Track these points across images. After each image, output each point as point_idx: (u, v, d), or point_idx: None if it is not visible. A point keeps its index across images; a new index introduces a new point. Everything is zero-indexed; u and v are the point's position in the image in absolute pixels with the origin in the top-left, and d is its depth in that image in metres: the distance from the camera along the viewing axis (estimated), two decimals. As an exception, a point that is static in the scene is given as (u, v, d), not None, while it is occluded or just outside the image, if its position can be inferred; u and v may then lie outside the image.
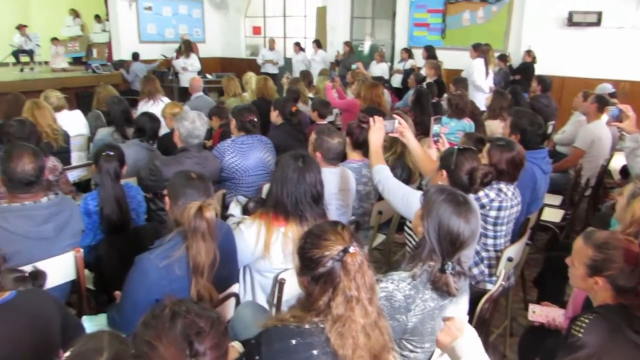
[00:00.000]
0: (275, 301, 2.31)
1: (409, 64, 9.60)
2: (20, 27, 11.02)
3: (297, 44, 11.17)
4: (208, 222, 1.96)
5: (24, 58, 11.03)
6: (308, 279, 1.51)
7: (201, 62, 10.65)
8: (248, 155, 3.77)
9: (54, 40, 11.54)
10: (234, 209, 2.72)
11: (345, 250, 1.47)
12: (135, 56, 10.58)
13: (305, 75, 7.79)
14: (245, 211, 2.64)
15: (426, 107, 5.66)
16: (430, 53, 8.71)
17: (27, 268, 1.72)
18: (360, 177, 3.46)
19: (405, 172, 3.82)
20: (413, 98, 5.78)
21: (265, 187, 3.69)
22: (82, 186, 4.53)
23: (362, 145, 3.58)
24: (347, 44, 10.41)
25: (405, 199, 2.57)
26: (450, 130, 4.71)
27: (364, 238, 3.51)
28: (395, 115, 3.10)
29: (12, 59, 10.94)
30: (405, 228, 2.85)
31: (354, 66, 8.95)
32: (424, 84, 6.85)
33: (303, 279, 1.54)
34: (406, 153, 3.79)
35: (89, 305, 2.69)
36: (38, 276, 1.67)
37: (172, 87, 10.60)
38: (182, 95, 9.63)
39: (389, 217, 3.62)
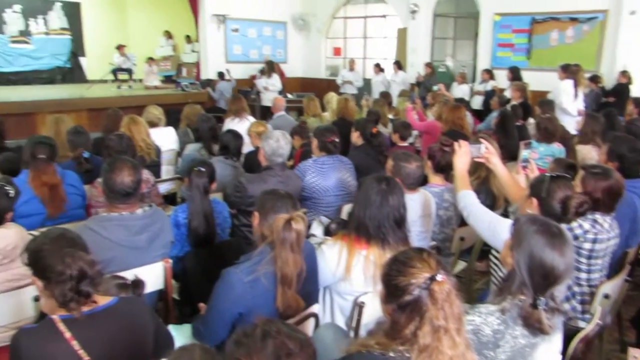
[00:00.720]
0: (354, 324, 2.29)
1: (490, 85, 9.37)
2: (120, 47, 11.85)
3: (377, 65, 11.22)
4: (297, 233, 2.02)
5: (122, 76, 11.82)
6: (393, 306, 1.48)
7: (283, 82, 10.94)
8: (328, 176, 3.81)
9: (149, 59, 12.30)
10: (316, 229, 2.75)
11: (432, 278, 1.43)
12: (221, 75, 11.05)
13: (385, 96, 7.78)
14: (327, 232, 2.65)
15: (510, 130, 5.49)
16: (515, 74, 8.43)
17: (129, 276, 1.82)
18: (441, 202, 3.39)
19: (489, 198, 3.69)
20: (497, 121, 5.62)
21: (345, 208, 3.71)
22: (170, 199, 4.76)
23: (444, 169, 3.52)
24: (428, 65, 10.33)
25: (492, 227, 2.48)
26: (539, 156, 4.51)
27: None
28: (481, 140, 3.01)
29: (111, 77, 11.75)
30: (490, 257, 2.75)
31: (435, 87, 8.84)
32: (508, 106, 6.63)
33: (387, 307, 1.52)
34: (491, 178, 3.67)
35: (174, 315, 2.80)
36: (138, 285, 1.76)
37: (255, 106, 10.94)
38: (264, 113, 9.93)
39: (471, 244, 3.51)
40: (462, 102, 6.89)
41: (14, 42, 12.81)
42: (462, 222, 3.59)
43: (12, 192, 2.36)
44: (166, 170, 5.16)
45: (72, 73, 13.74)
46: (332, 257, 2.36)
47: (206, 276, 2.80)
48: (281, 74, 11.39)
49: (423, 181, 3.36)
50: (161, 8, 13.93)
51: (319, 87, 12.42)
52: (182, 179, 4.69)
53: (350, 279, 2.34)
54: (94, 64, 13.46)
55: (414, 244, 2.51)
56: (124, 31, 14.55)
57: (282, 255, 2.01)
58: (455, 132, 5.15)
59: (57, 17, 13.45)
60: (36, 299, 2.27)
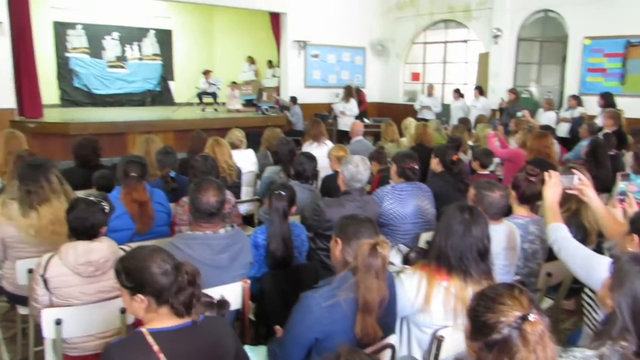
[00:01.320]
0: (432, 359, 2.21)
1: (577, 112, 8.91)
2: (206, 73, 12.44)
3: (457, 90, 11.03)
4: (383, 259, 1.99)
5: (207, 99, 12.39)
6: (480, 344, 1.41)
7: (365, 108, 10.98)
8: (406, 203, 3.74)
9: (232, 84, 12.82)
10: (394, 258, 2.70)
11: (524, 318, 1.35)
12: (294, 100, 11.29)
13: (465, 122, 7.62)
14: (406, 260, 2.59)
15: (603, 160, 5.17)
16: (607, 101, 7.97)
17: (214, 295, 1.86)
18: (526, 235, 3.22)
19: (581, 232, 3.46)
20: (587, 150, 5.32)
21: (423, 237, 3.63)
22: (248, 219, 4.87)
23: (529, 200, 3.36)
24: (511, 90, 10.01)
25: (587, 264, 2.32)
26: (637, 189, 4.21)
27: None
28: (574, 171, 2.85)
29: (197, 100, 12.35)
30: (583, 296, 2.56)
31: (519, 114, 8.54)
32: (600, 135, 6.26)
33: (473, 344, 1.44)
34: (582, 211, 3.46)
35: (250, 335, 2.83)
36: (223, 305, 1.80)
37: (332, 130, 11.05)
38: (340, 138, 9.99)
39: (558, 281, 3.30)
40: (548, 130, 6.59)
41: (110, 66, 13.81)
42: (549, 257, 3.41)
43: (107, 207, 2.50)
44: (245, 192, 5.30)
45: (161, 96, 14.60)
46: (411, 287, 2.30)
47: (283, 298, 2.81)
48: (362, 100, 11.47)
49: (507, 212, 3.22)
50: (246, 35, 14.53)
51: (396, 112, 12.35)
52: (260, 200, 4.82)
53: (429, 310, 2.26)
54: (181, 87, 14.22)
55: (497, 278, 2.39)
56: (211, 57, 15.30)
57: (366, 281, 1.98)
58: (541, 160, 4.92)
59: (150, 44, 14.39)
60: (122, 311, 2.38)
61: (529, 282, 3.25)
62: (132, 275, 1.71)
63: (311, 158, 4.28)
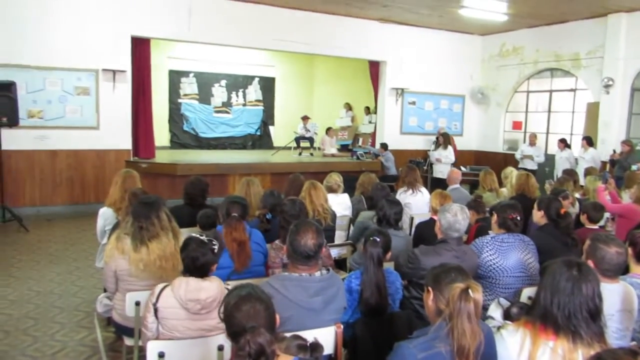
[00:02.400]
0: None
1: None
2: (304, 118, 12.90)
3: (563, 140, 10.51)
4: (475, 302, 1.91)
5: (304, 144, 12.79)
6: None
7: (456, 155, 10.84)
8: (508, 255, 3.56)
9: (328, 129, 13.16)
10: (494, 312, 2.56)
11: None
12: (385, 146, 11.34)
13: (571, 174, 7.19)
14: (507, 316, 2.45)
15: None
16: None
17: (308, 338, 1.86)
18: (643, 296, 2.94)
19: None
20: None
21: (526, 292, 3.42)
22: (340, 264, 4.87)
23: (648, 260, 3.08)
24: (626, 142, 9.34)
25: None
26: None
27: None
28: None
29: (294, 144, 12.78)
30: None
31: (634, 167, 7.94)
32: None
33: None
34: None
35: (340, 382, 2.78)
36: (317, 348, 1.79)
37: (427, 177, 10.93)
38: (434, 185, 9.83)
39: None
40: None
41: (217, 111, 14.73)
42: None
43: (216, 247, 2.62)
44: (339, 236, 5.32)
45: (261, 140, 15.28)
46: (513, 345, 2.16)
47: (375, 346, 2.76)
48: (454, 147, 11.28)
49: (624, 271, 2.96)
50: (344, 82, 14.96)
51: (494, 161, 12.01)
52: (353, 245, 4.82)
53: (533, 373, 2.11)
54: (280, 132, 14.83)
55: (611, 342, 2.19)
56: (309, 102, 15.87)
57: (459, 326, 1.90)
58: (660, 218, 4.53)
59: (254, 91, 15.23)
60: (220, 348, 2.45)
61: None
62: (226, 318, 1.82)
63: (394, 203, 4.18)
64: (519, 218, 3.65)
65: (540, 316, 2.16)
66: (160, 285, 2.61)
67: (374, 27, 11.58)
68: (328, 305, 2.57)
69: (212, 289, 2.54)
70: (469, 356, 1.89)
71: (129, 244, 3.11)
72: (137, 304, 2.88)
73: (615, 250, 2.69)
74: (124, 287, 3.17)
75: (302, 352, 1.73)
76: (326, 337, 2.59)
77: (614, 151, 9.58)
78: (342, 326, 2.63)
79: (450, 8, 10.14)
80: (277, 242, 3.69)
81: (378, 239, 2.87)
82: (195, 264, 2.58)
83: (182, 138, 14.23)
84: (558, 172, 10.02)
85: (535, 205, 4.21)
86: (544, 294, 2.17)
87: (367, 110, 13.98)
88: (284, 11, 10.56)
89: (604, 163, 9.72)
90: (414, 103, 12.47)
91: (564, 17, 10.66)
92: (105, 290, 3.60)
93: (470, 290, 1.90)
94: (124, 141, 9.51)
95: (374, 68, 12.18)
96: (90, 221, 6.13)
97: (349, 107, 14.95)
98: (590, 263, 2.72)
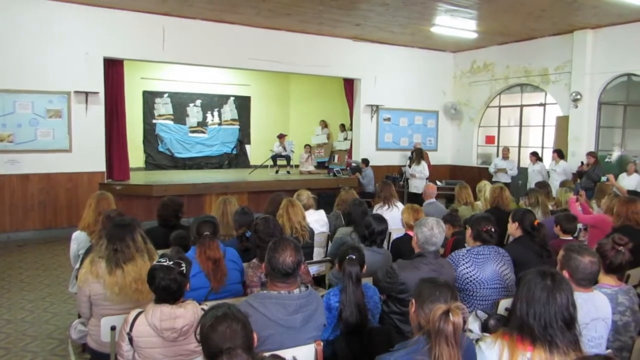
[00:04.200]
0: None
1: (669, 177, 8.41)
2: (280, 136, 12.91)
3: (535, 154, 10.75)
4: (454, 326, 1.91)
5: (281, 162, 12.78)
6: None
7: (430, 170, 10.98)
8: (484, 267, 3.60)
9: (305, 147, 13.20)
10: (472, 324, 2.58)
11: None
12: (367, 162, 11.40)
13: (543, 186, 7.33)
14: (485, 328, 2.47)
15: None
16: (702, 166, 7.47)
17: (288, 356, 1.85)
18: (615, 306, 2.99)
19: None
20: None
21: (502, 303, 3.46)
22: (319, 280, 4.85)
23: (616, 270, 3.15)
24: (591, 154, 9.63)
25: None
26: None
27: (622, 379, 2.97)
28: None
29: (271, 162, 12.75)
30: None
31: (604, 178, 8.14)
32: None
33: None
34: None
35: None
36: (297, 368, 1.78)
37: (403, 192, 11.02)
38: (411, 200, 9.92)
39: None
40: (636, 195, 6.21)
41: (192, 131, 14.64)
42: (645, 332, 3.14)
43: (184, 268, 2.57)
44: (317, 252, 5.31)
45: (237, 159, 15.21)
46: (491, 357, 2.18)
47: (355, 363, 2.75)
48: (427, 162, 11.42)
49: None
50: (319, 100, 15.07)
51: (468, 175, 12.19)
52: (332, 261, 4.81)
53: (512, 384, 2.12)
54: (257, 150, 14.79)
55: (586, 351, 2.23)
56: (285, 121, 15.90)
57: (438, 348, 1.91)
58: (629, 228, 4.63)
59: (229, 110, 15.20)
60: (198, 371, 2.41)
61: (621, 356, 2.99)
62: (201, 339, 1.81)
63: (380, 220, 4.23)
64: (493, 230, 3.71)
65: (517, 327, 2.19)
66: (134, 313, 2.54)
67: (348, 45, 11.73)
68: (307, 323, 2.56)
69: (187, 315, 2.48)
70: None
71: (103, 268, 3.04)
72: (113, 328, 2.82)
73: (588, 259, 2.74)
74: (98, 311, 3.09)
75: (281, 371, 1.72)
76: (306, 355, 2.57)
77: (582, 163, 9.82)
78: (322, 344, 2.61)
79: (422, 26, 10.35)
80: (254, 260, 3.67)
81: (354, 257, 2.87)
82: (169, 292, 2.51)
83: (157, 159, 14.09)
84: (531, 185, 10.19)
85: (510, 218, 4.27)
86: (520, 305, 2.20)
87: (343, 127, 14.08)
88: (258, 31, 10.64)
89: (574, 175, 9.94)
90: (389, 119, 12.62)
91: (532, 34, 10.96)
92: (79, 316, 3.52)
93: (450, 314, 1.91)
94: (98, 163, 9.38)
95: (349, 85, 12.32)
96: (63, 246, 6.02)
97: (324, 124, 15.04)
98: (565, 273, 2.76)
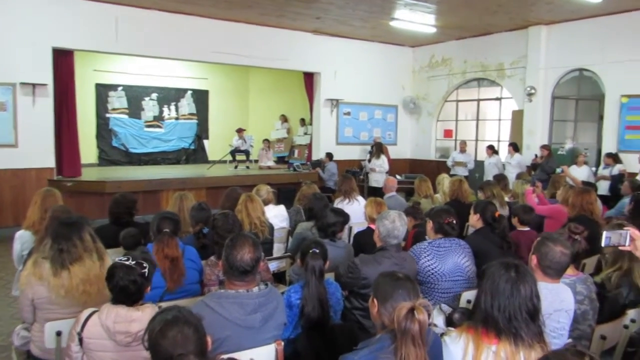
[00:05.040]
0: None
1: (616, 169, 8.70)
2: (239, 131, 12.67)
3: (491, 147, 10.94)
4: (420, 324, 1.85)
5: (240, 157, 12.57)
6: None
7: (390, 164, 11.02)
8: (445, 260, 3.58)
9: (264, 141, 13.03)
10: (437, 318, 2.54)
11: None
12: (331, 156, 11.35)
13: (500, 178, 7.44)
14: (450, 322, 2.43)
15: (648, 216, 4.92)
16: (649, 158, 7.74)
17: (247, 359, 1.74)
18: (574, 294, 3.01)
19: (634, 292, 3.24)
20: (631, 206, 5.10)
21: (464, 296, 3.45)
22: (279, 277, 4.75)
23: (574, 259, 3.17)
24: (544, 147, 9.87)
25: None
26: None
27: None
28: (626, 227, 2.68)
29: (230, 157, 12.52)
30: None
31: (558, 170, 8.34)
32: (646, 192, 6.00)
33: None
34: (635, 269, 3.24)
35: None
36: (255, 371, 1.67)
37: (363, 186, 11.02)
38: (371, 194, 9.92)
39: (613, 344, 3.06)
40: (590, 186, 6.37)
41: (148, 126, 14.23)
42: (604, 318, 3.18)
43: (146, 269, 2.42)
44: (277, 248, 5.21)
45: (195, 154, 14.89)
46: (456, 351, 2.13)
47: (317, 362, 2.66)
48: (387, 156, 11.47)
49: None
50: (279, 94, 14.90)
51: (427, 169, 12.31)
52: (292, 257, 4.71)
53: (477, 378, 2.08)
54: (215, 145, 14.50)
55: (549, 342, 2.21)
56: (244, 115, 15.66)
57: (404, 349, 1.84)
58: (584, 218, 4.72)
59: (187, 104, 14.84)
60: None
61: (579, 345, 3.02)
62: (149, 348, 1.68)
63: (340, 213, 4.16)
64: (454, 222, 3.69)
65: (482, 320, 2.15)
66: (87, 312, 2.37)
67: (308, 39, 11.62)
68: (267, 322, 2.45)
69: (144, 319, 2.30)
70: None
71: (47, 269, 2.83)
72: (58, 334, 2.63)
73: (560, 249, 2.73)
74: (43, 316, 2.88)
75: (239, 376, 1.61)
76: (266, 356, 2.47)
77: (536, 156, 10.05)
78: (282, 343, 2.51)
79: (381, 20, 10.33)
80: (212, 258, 3.54)
81: (317, 251, 2.78)
82: (127, 293, 2.36)
83: (111, 154, 13.62)
84: (488, 178, 10.38)
85: (472, 209, 4.28)
86: (484, 298, 2.17)
87: (303, 121, 13.98)
88: (217, 23, 10.39)
89: (528, 168, 10.17)
90: (349, 114, 12.59)
91: (489, 29, 11.13)
92: (24, 321, 3.29)
93: (415, 312, 1.84)
94: (47, 159, 8.95)
95: (309, 79, 12.22)
96: (7, 246, 5.70)
97: (284, 118, 14.90)
98: (534, 258, 2.76)
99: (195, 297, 3.29)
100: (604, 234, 2.55)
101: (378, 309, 2.02)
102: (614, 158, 8.99)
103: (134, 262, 2.40)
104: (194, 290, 3.47)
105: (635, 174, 7.94)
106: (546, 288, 2.67)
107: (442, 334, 2.30)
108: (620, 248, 2.61)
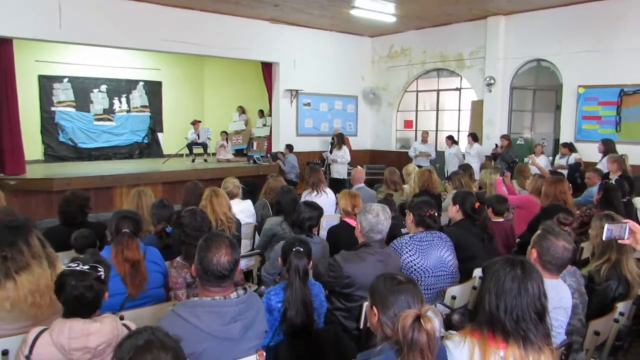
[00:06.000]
0: None
1: (572, 158, 8.85)
2: (194, 123, 12.18)
3: (450, 137, 10.94)
4: (428, 335, 1.65)
5: (197, 150, 12.10)
6: None
7: (351, 155, 10.87)
8: (428, 254, 3.41)
9: (222, 133, 12.61)
10: (433, 319, 2.33)
11: None
12: (291, 147, 11.08)
13: (466, 168, 7.39)
14: (449, 324, 2.24)
15: (616, 205, 4.93)
16: (608, 147, 7.89)
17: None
18: (565, 289, 2.90)
19: (623, 284, 3.15)
20: (600, 195, 5.09)
21: (449, 291, 3.28)
22: (246, 275, 4.49)
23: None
24: (504, 137, 9.94)
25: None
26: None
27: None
28: (625, 220, 2.56)
29: (187, 151, 12.03)
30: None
31: (526, 159, 8.38)
32: (613, 180, 6.05)
33: None
34: (623, 262, 3.15)
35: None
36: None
37: (325, 178, 10.80)
38: (332, 186, 9.72)
39: (605, 339, 2.97)
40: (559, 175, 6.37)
41: (97, 119, 13.52)
42: (592, 312, 3.08)
43: (102, 273, 2.11)
44: (244, 245, 4.94)
45: (149, 148, 14.28)
46: (462, 358, 1.95)
47: (301, 372, 2.43)
48: (349, 147, 11.31)
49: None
50: (236, 84, 14.45)
51: (388, 159, 12.23)
52: (262, 254, 4.45)
53: (485, 386, 1.90)
54: (170, 139, 13.95)
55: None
56: (200, 107, 15.13)
57: None
58: (558, 207, 4.65)
59: (138, 96, 14.19)
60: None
61: (570, 340, 2.91)
62: None
63: (315, 207, 3.95)
64: (436, 214, 3.52)
65: (487, 323, 1.97)
66: (35, 331, 2.04)
67: (266, 28, 11.25)
68: (247, 332, 2.19)
69: (104, 332, 2.01)
70: None
71: (-11, 280, 2.47)
72: (5, 353, 2.28)
73: (562, 244, 2.59)
74: (-15, 333, 2.52)
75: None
76: (247, 368, 2.22)
77: (496, 145, 10.11)
78: (264, 354, 2.26)
79: (341, 8, 10.10)
80: (178, 259, 3.23)
81: (302, 249, 2.53)
82: (82, 303, 2.05)
83: (58, 150, 12.84)
84: (448, 168, 10.41)
85: (451, 201, 4.13)
86: (489, 298, 1.99)
87: (261, 113, 13.62)
88: (170, 10, 9.86)
89: (488, 158, 10.21)
90: (308, 104, 12.33)
91: (448, 19, 11.08)
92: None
93: (422, 320, 1.63)
94: (-14, 156, 8.29)
95: (267, 70, 11.86)
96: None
97: (242, 110, 14.49)
98: (534, 252, 2.61)
99: (160, 304, 3.01)
100: (606, 226, 2.42)
101: (378, 317, 1.80)
102: (570, 147, 9.13)
103: (86, 267, 2.09)
104: (158, 295, 3.16)
105: (594, 163, 8.05)
106: (546, 284, 2.53)
107: (442, 337, 2.11)
108: (619, 241, 2.48)
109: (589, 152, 8.87)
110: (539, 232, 2.68)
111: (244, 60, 11.89)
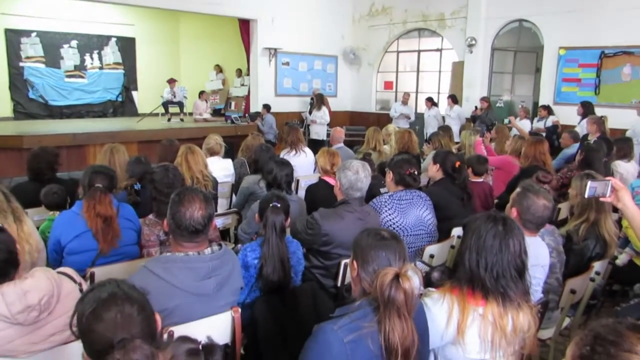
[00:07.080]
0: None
1: (549, 120, 8.87)
2: (170, 81, 11.84)
3: (430, 99, 10.86)
4: (406, 294, 1.61)
5: (173, 109, 11.79)
6: None
7: (330, 116, 10.73)
8: (407, 213, 3.38)
9: (200, 93, 12.30)
10: (412, 278, 2.30)
11: None
12: (268, 107, 10.88)
13: (446, 130, 7.35)
14: (428, 282, 2.21)
15: (597, 167, 4.94)
16: (587, 109, 7.91)
17: (201, 328, 1.40)
18: (542, 247, 2.90)
19: (600, 244, 3.17)
20: (581, 156, 5.10)
21: (428, 250, 3.27)
22: (224, 234, 4.43)
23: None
24: (484, 99, 9.91)
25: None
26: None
27: (546, 320, 2.92)
28: (608, 177, 2.54)
29: (162, 110, 11.72)
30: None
31: (506, 120, 8.36)
32: (592, 141, 6.08)
33: None
34: (601, 221, 3.16)
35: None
36: (212, 351, 1.33)
37: (304, 139, 10.68)
38: (311, 146, 9.62)
39: (580, 297, 2.99)
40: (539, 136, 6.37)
41: (69, 76, 13.06)
42: (569, 271, 3.10)
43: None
44: (221, 204, 4.86)
45: (123, 107, 13.91)
46: (440, 315, 1.92)
47: (278, 326, 2.40)
48: (328, 107, 11.17)
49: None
50: (213, 42, 14.03)
51: (368, 121, 12.12)
52: (239, 212, 4.38)
53: (463, 342, 1.89)
54: (146, 97, 13.58)
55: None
56: (176, 65, 14.71)
57: (389, 322, 1.60)
58: (537, 168, 4.66)
59: (111, 52, 13.70)
60: (85, 355, 1.89)
61: (547, 298, 2.93)
62: (80, 334, 1.33)
63: (283, 164, 3.80)
64: (416, 172, 3.48)
65: (467, 280, 1.96)
66: None
67: (243, -18, 10.87)
68: (222, 288, 2.13)
69: (40, 286, 1.85)
70: (398, 356, 1.59)
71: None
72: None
73: (543, 202, 2.57)
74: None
75: (194, 358, 1.28)
76: (221, 325, 2.18)
77: (476, 108, 10.08)
78: (239, 310, 2.21)
79: (321, -37, 9.79)
80: (151, 216, 3.14)
81: (279, 205, 2.46)
82: (3, 265, 1.85)
83: (28, 107, 12.40)
84: (427, 130, 10.37)
85: (431, 160, 4.08)
86: (469, 255, 1.96)
87: (239, 72, 13.30)
88: (141, -40, 9.45)
89: (467, 120, 10.19)
90: (287, 64, 12.05)
91: (430, -23, 10.85)
92: None
93: (401, 279, 1.59)
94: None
95: (245, 27, 11.50)
96: None
97: (219, 69, 14.12)
98: (514, 211, 2.59)
99: (132, 260, 2.93)
100: (589, 183, 2.39)
101: (358, 272, 1.75)
102: (548, 110, 9.14)
103: None
104: (132, 252, 3.08)
105: (572, 126, 8.09)
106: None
107: (421, 295, 2.08)
108: (601, 199, 2.47)
109: (568, 114, 8.90)
110: (518, 189, 2.66)
111: (221, 17, 11.49)
